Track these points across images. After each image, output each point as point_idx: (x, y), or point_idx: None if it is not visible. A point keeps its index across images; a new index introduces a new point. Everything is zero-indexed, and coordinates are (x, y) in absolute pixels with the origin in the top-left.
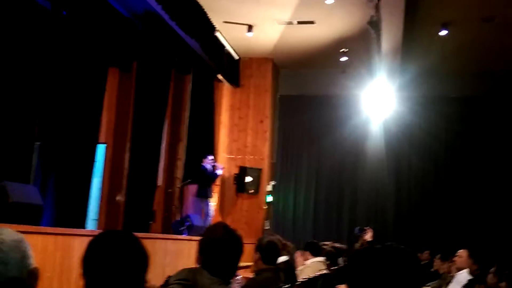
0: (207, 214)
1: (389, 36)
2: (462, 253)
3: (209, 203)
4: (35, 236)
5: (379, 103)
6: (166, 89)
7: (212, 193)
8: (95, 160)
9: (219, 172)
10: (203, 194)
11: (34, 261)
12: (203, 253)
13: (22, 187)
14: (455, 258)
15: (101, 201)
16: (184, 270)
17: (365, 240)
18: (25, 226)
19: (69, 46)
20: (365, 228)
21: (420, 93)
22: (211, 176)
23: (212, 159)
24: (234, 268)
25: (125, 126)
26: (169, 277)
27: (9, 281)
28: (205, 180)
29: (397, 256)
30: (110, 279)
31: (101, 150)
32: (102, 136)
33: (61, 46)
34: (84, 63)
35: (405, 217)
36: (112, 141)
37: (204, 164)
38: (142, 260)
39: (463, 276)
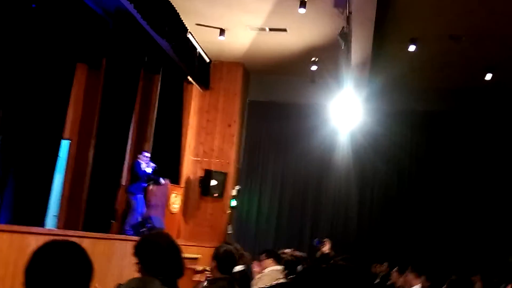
0: (135, 211)
1: (359, 48)
2: (411, 269)
3: (139, 199)
4: None
5: (347, 113)
6: (134, 88)
7: (145, 190)
8: (58, 156)
9: (149, 170)
10: (132, 190)
11: None
12: (150, 263)
13: None
14: (407, 274)
15: (62, 198)
16: (134, 279)
17: (323, 251)
18: None
19: (37, 38)
20: (323, 240)
21: (386, 105)
22: (141, 172)
23: (148, 157)
24: (180, 270)
25: (91, 123)
26: (119, 285)
27: None
28: (135, 176)
29: (341, 276)
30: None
31: (65, 146)
32: (67, 132)
33: (29, 38)
34: (52, 57)
35: (367, 227)
36: (77, 137)
37: (138, 160)
38: (86, 272)
39: None
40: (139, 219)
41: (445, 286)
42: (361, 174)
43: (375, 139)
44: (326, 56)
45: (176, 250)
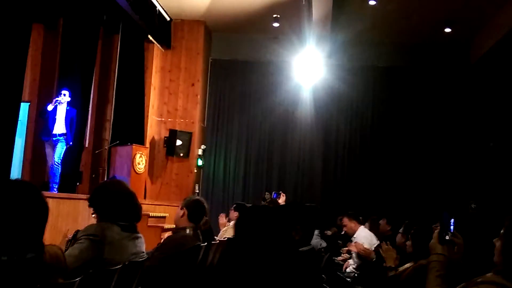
0: (52, 156)
1: (320, 3)
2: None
3: (47, 147)
4: None
5: (309, 69)
6: (93, 48)
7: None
8: (18, 119)
9: (50, 108)
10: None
11: None
12: (105, 210)
13: None
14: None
15: (24, 161)
16: (93, 225)
17: (279, 203)
18: None
19: None
20: (279, 192)
21: (348, 61)
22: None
23: (64, 94)
24: (137, 214)
25: (51, 85)
26: (78, 231)
27: None
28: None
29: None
30: (5, 228)
31: (24, 109)
32: (26, 94)
33: None
34: (6, 17)
35: (332, 181)
36: (36, 100)
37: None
38: (40, 210)
39: (361, 234)
40: (54, 170)
41: (401, 228)
42: (324, 129)
43: (337, 94)
44: (288, 12)
45: (130, 195)
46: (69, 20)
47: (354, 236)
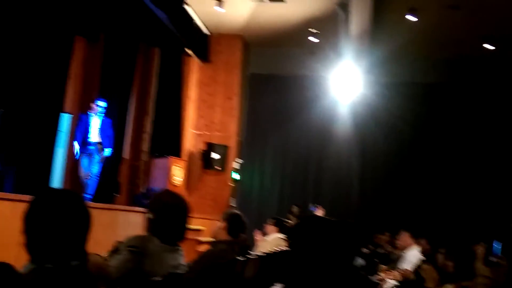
0: (86, 170)
1: (358, 18)
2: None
3: (82, 159)
4: None
5: (347, 85)
6: (133, 61)
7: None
8: (59, 130)
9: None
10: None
11: None
12: (156, 219)
13: None
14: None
15: (65, 172)
16: (134, 237)
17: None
18: None
19: (35, 12)
20: (317, 205)
21: (386, 76)
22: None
23: (99, 106)
24: (182, 233)
25: (91, 97)
26: (119, 242)
27: None
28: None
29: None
30: (50, 236)
31: (66, 120)
32: (68, 106)
33: (27, 12)
34: (49, 30)
35: (369, 198)
36: (77, 111)
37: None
38: (83, 219)
39: (412, 254)
40: (89, 181)
41: (443, 249)
42: (362, 145)
43: (375, 110)
44: (326, 27)
45: (179, 211)
46: (110, 34)
47: (404, 251)
